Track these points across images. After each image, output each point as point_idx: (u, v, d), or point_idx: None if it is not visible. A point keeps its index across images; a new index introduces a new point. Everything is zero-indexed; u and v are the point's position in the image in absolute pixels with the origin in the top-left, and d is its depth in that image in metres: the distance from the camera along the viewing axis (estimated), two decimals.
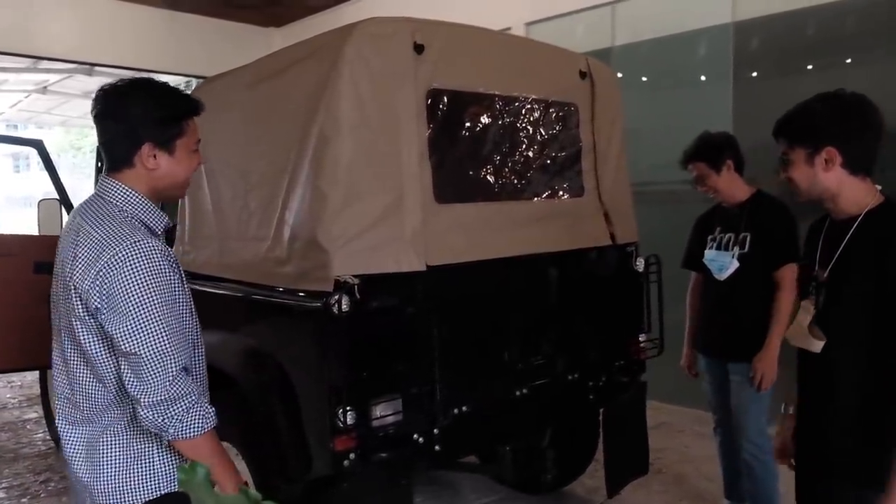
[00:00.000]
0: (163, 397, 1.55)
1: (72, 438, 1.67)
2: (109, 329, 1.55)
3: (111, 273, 1.53)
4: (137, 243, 1.56)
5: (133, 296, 1.53)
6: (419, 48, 2.48)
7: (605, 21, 5.57)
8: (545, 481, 3.58)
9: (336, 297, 2.22)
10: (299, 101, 2.48)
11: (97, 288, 1.54)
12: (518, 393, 2.81)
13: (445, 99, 2.59)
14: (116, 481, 1.63)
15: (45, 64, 9.49)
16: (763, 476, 3.09)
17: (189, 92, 3.58)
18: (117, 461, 1.64)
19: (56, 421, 1.72)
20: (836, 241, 1.85)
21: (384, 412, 2.35)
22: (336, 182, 2.31)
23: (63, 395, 1.69)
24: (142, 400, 1.55)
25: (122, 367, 1.57)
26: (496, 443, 3.21)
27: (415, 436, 2.45)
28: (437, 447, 2.51)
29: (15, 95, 14.62)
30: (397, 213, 2.40)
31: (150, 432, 1.62)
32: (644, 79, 5.56)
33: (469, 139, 2.69)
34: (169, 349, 1.57)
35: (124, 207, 1.65)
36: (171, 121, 1.65)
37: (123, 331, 1.53)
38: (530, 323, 2.88)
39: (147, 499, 1.64)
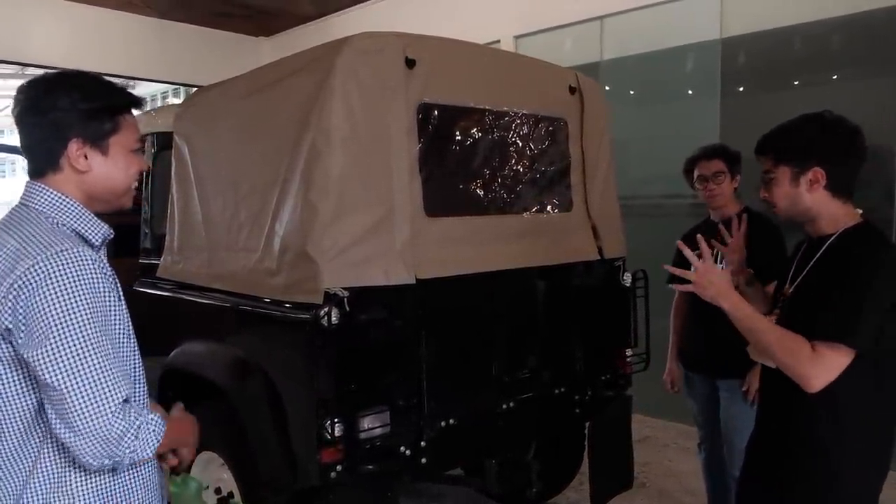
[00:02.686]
0: (101, 441, 1.31)
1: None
2: (26, 356, 1.30)
3: (28, 286, 1.29)
4: (64, 252, 1.32)
5: (56, 315, 1.28)
6: (410, 63, 2.50)
7: (593, 35, 5.63)
8: (530, 495, 3.58)
9: (326, 309, 2.23)
10: (291, 114, 2.49)
11: (10, 304, 1.29)
12: (505, 406, 2.82)
13: (436, 113, 2.61)
14: None
15: (32, 71, 9.45)
16: None
17: (180, 100, 3.54)
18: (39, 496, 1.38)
19: None
20: (807, 260, 1.89)
21: (372, 424, 2.35)
22: (326, 194, 2.32)
23: None
24: (75, 447, 1.32)
25: (47, 407, 1.33)
26: (482, 456, 3.21)
27: (402, 448, 2.45)
28: (423, 459, 2.51)
29: (1, 101, 14.55)
30: (387, 226, 2.42)
31: (67, 467, 1.40)
32: (632, 93, 5.62)
33: (459, 153, 2.71)
34: (103, 381, 1.31)
35: (51, 214, 1.42)
36: (102, 114, 1.45)
37: (42, 359, 1.28)
38: (518, 336, 2.90)
39: None
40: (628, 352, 3.31)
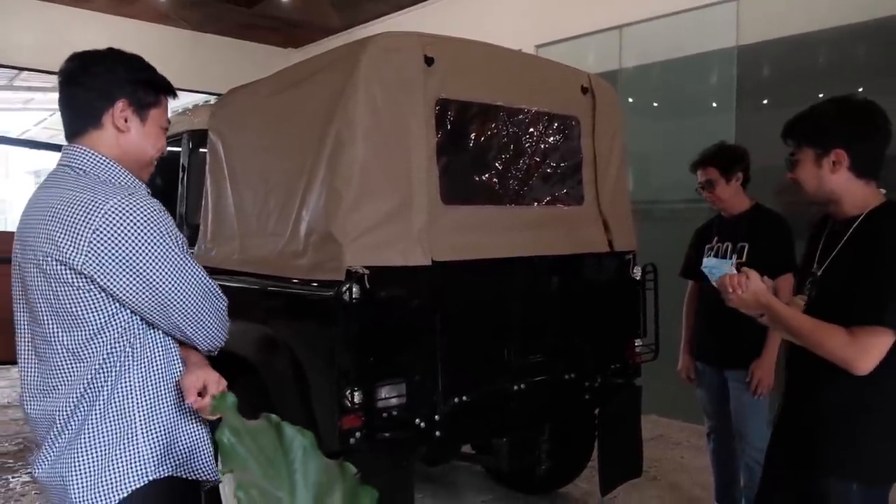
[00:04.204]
0: (221, 322, 1.64)
1: (49, 438, 1.51)
2: (126, 293, 1.45)
3: (111, 229, 1.41)
4: (131, 196, 1.46)
5: (148, 242, 1.44)
6: (429, 61, 2.68)
7: (612, 44, 5.79)
8: (540, 473, 3.71)
9: (347, 285, 2.40)
10: (317, 109, 2.68)
11: (94, 253, 1.41)
12: (516, 387, 2.96)
13: (453, 108, 2.78)
14: (97, 475, 1.49)
15: None
16: (757, 469, 3.18)
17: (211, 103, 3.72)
18: (99, 451, 1.49)
19: (29, 419, 1.58)
20: (835, 241, 1.91)
21: (388, 395, 2.51)
22: (350, 182, 2.50)
23: (35, 388, 1.54)
24: (201, 337, 1.59)
25: (161, 323, 1.53)
26: (493, 434, 3.34)
27: (417, 420, 2.60)
28: (437, 433, 2.66)
29: (40, 114, 15.05)
30: (406, 212, 2.59)
31: (133, 414, 1.51)
32: (650, 100, 5.75)
33: (474, 146, 2.88)
34: (200, 277, 1.56)
35: (96, 173, 1.52)
36: (147, 87, 1.59)
37: (149, 281, 1.45)
38: (529, 322, 3.04)
39: (133, 488, 1.51)
40: (637, 342, 3.43)
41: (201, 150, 3.51)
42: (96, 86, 1.54)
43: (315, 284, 2.57)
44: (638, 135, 4.83)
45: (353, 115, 2.53)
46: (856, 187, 1.87)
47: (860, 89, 4.60)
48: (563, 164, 3.21)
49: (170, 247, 1.48)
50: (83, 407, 1.50)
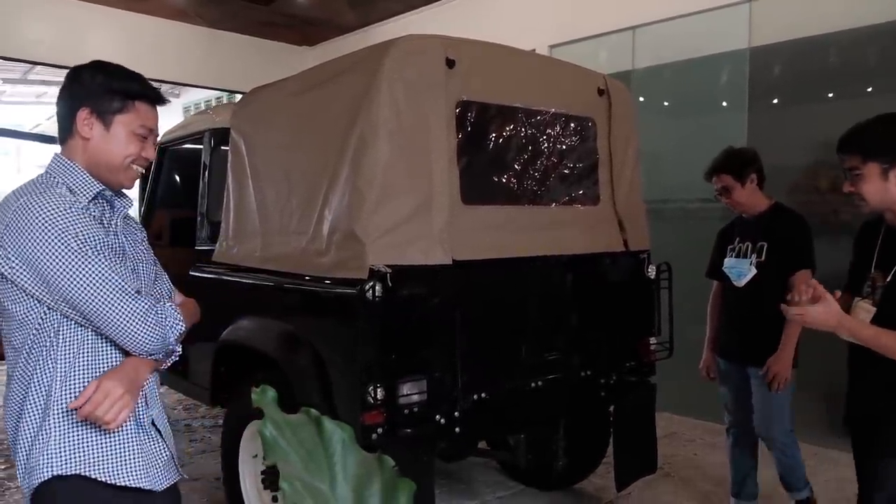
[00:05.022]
0: (143, 325, 1.55)
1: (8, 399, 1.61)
2: (32, 290, 1.52)
3: (15, 226, 1.50)
4: (41, 194, 1.53)
5: (43, 242, 1.48)
6: (450, 63, 2.73)
7: (625, 45, 5.82)
8: (556, 469, 3.76)
9: (370, 283, 2.46)
10: (340, 109, 2.74)
11: (3, 247, 1.50)
12: (533, 385, 3.01)
13: (473, 110, 2.83)
14: (26, 461, 1.56)
15: None
16: (793, 465, 3.31)
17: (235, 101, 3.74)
18: (27, 440, 1.56)
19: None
20: (894, 245, 2.01)
21: (410, 391, 2.57)
22: (373, 182, 2.55)
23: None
24: (126, 341, 1.56)
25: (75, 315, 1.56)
26: (512, 430, 3.40)
27: (437, 416, 2.66)
28: (456, 429, 2.72)
29: (52, 108, 15.19)
30: (427, 212, 2.64)
31: (51, 407, 1.55)
32: (663, 101, 5.78)
33: (494, 147, 2.93)
34: (107, 280, 1.52)
35: (52, 173, 1.63)
36: (114, 94, 1.63)
37: (46, 280, 1.49)
38: (547, 320, 3.09)
39: (39, 480, 1.54)
40: (652, 340, 3.47)
41: (223, 148, 3.57)
42: (68, 97, 1.64)
43: (338, 282, 2.63)
44: (650, 135, 4.86)
45: (376, 116, 2.58)
46: None
47: (869, 89, 4.63)
48: (579, 165, 3.25)
49: (68, 246, 1.49)
50: (21, 393, 1.58)
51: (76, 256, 1.51)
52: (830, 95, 4.84)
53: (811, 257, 3.15)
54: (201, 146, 3.78)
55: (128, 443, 1.62)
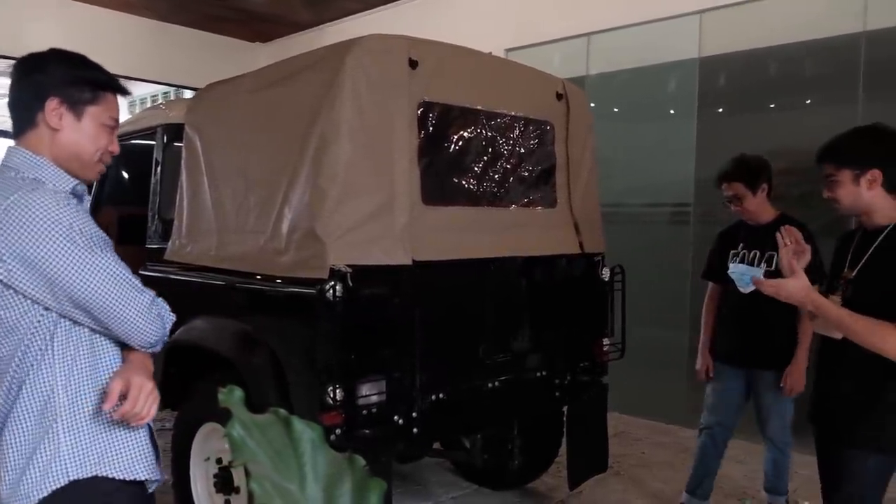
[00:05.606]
0: (144, 318, 1.52)
1: None
2: (30, 290, 1.44)
3: (8, 224, 1.41)
4: (33, 191, 1.45)
5: (44, 239, 1.41)
6: (413, 63, 2.74)
7: (580, 51, 5.91)
8: (512, 469, 3.80)
9: (331, 283, 2.44)
10: (301, 107, 2.71)
11: None
12: (491, 385, 3.03)
13: (435, 111, 2.84)
14: (19, 473, 1.47)
15: None
16: (784, 466, 3.46)
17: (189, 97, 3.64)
18: (21, 449, 1.48)
19: None
20: (866, 247, 2.20)
21: (369, 392, 2.56)
22: (334, 180, 2.54)
23: None
24: (130, 335, 1.53)
25: (82, 318, 1.49)
26: (469, 431, 3.42)
27: (395, 417, 2.66)
28: (415, 429, 2.72)
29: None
30: (388, 212, 2.63)
31: (56, 412, 1.48)
32: (615, 107, 5.90)
33: (454, 148, 2.94)
34: (114, 274, 1.48)
35: (21, 170, 1.53)
36: (84, 84, 1.57)
37: (49, 278, 1.42)
38: (504, 321, 3.12)
39: (53, 488, 1.48)
40: (605, 341, 3.54)
41: (176, 144, 3.49)
42: (30, 87, 1.56)
43: (297, 282, 2.60)
44: (602, 140, 4.95)
45: (338, 114, 2.56)
46: (887, 202, 2.18)
47: (808, 101, 4.82)
48: (537, 168, 3.29)
49: (72, 241, 1.44)
50: (7, 404, 1.49)
51: (84, 253, 1.45)
52: (771, 105, 5.01)
53: (822, 270, 3.17)
54: (153, 142, 3.69)
55: (137, 437, 1.60)
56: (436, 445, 3.60)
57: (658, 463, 4.52)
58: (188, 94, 9.76)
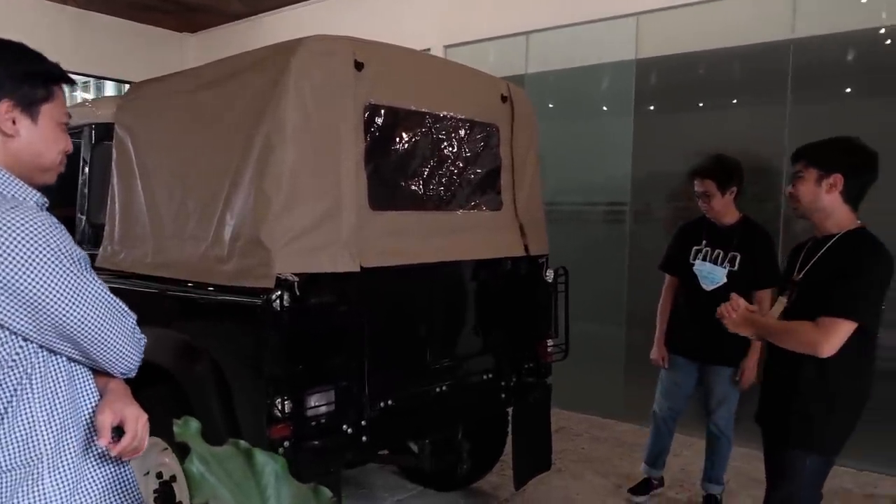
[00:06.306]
0: (132, 343, 1.44)
1: None
2: (12, 320, 1.27)
3: None
4: (13, 210, 1.27)
5: (32, 264, 1.25)
6: (359, 65, 2.67)
7: (519, 49, 5.94)
8: (461, 472, 3.80)
9: (278, 293, 2.37)
10: (243, 109, 2.61)
11: None
12: (438, 389, 3.02)
13: (381, 113, 2.79)
14: None
15: None
16: (725, 455, 3.67)
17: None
18: (1, 493, 1.34)
19: None
20: (815, 254, 2.34)
21: (318, 402, 2.50)
22: (279, 186, 2.46)
23: None
24: (115, 364, 1.42)
25: (66, 349, 1.36)
26: (417, 436, 3.40)
27: (344, 426, 2.61)
28: (364, 437, 2.68)
29: None
30: (335, 218, 2.57)
31: (39, 452, 1.34)
32: (553, 106, 5.96)
33: (401, 152, 2.90)
34: (97, 298, 1.36)
35: None
36: (36, 80, 1.38)
37: (35, 306, 1.26)
38: (451, 325, 3.11)
39: None
40: (549, 342, 3.58)
41: (105, 143, 3.33)
42: None
43: (241, 291, 2.51)
44: (540, 138, 5.02)
45: (282, 117, 2.48)
46: (841, 210, 2.29)
47: (740, 104, 4.99)
48: (483, 171, 3.28)
49: (61, 265, 1.29)
50: None
51: (72, 279, 1.31)
52: (700, 104, 5.16)
53: (778, 274, 3.36)
54: (80, 140, 3.50)
55: (124, 473, 1.51)
56: (384, 451, 3.57)
57: (597, 458, 4.61)
58: (109, 85, 9.36)
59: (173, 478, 2.87)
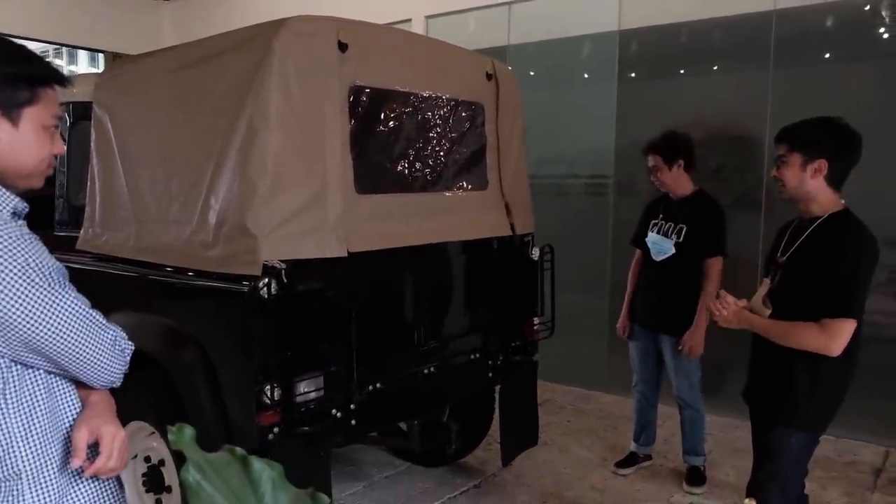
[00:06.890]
0: (113, 355, 1.37)
1: None
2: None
3: None
4: None
5: (2, 286, 1.19)
6: (343, 46, 2.62)
7: (502, 20, 5.85)
8: (449, 452, 3.85)
9: (265, 280, 2.35)
10: (226, 90, 2.56)
11: None
12: (426, 371, 3.03)
13: (366, 95, 2.75)
14: None
15: None
16: (695, 419, 3.72)
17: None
18: None
19: None
20: (799, 235, 2.34)
21: (307, 389, 2.51)
22: (265, 171, 2.42)
23: None
24: (97, 378, 1.37)
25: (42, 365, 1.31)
26: (406, 417, 3.42)
27: (333, 411, 2.62)
28: (353, 421, 2.69)
29: None
30: (321, 202, 2.55)
31: (18, 469, 1.30)
32: (536, 78, 5.90)
33: (387, 134, 2.87)
34: (76, 312, 1.30)
35: None
36: (18, 82, 1.30)
37: (2, 322, 1.22)
38: (438, 306, 3.12)
39: None
40: (536, 320, 3.60)
41: (84, 122, 3.25)
42: None
43: (228, 277, 2.49)
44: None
45: (266, 100, 2.44)
46: (826, 193, 2.29)
47: (722, 73, 5.00)
48: (469, 150, 3.26)
49: (29, 280, 1.23)
50: None
51: (42, 293, 1.24)
52: (689, 76, 5.15)
53: (724, 245, 3.52)
54: None
55: (108, 487, 1.45)
56: (373, 433, 3.60)
57: (582, 430, 4.68)
58: (82, 54, 9.11)
59: (161, 461, 2.87)
